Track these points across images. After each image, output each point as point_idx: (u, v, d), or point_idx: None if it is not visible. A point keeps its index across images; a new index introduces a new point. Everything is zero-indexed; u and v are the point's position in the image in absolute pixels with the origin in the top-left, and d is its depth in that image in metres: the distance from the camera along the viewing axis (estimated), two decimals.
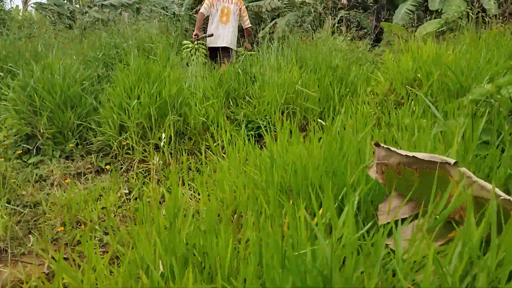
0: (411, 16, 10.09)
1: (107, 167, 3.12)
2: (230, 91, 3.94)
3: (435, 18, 10.14)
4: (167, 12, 9.34)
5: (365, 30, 8.24)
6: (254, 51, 5.16)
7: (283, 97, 3.43)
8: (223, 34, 5.07)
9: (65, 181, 2.89)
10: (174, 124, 3.21)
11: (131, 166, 3.11)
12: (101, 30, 6.15)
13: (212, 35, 5.06)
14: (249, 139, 2.33)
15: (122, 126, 3.24)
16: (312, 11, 9.84)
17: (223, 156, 2.80)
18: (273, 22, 11.47)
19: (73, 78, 3.50)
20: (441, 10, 9.79)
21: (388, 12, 9.67)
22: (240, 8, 5.22)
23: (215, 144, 3.03)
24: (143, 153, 3.11)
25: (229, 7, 5.08)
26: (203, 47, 5.16)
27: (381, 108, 2.87)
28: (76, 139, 3.34)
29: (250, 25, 5.34)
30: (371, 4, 10.33)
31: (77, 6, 12.79)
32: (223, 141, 3.09)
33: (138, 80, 3.33)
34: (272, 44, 4.63)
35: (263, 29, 11.18)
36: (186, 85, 3.46)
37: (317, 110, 3.31)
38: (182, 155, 3.13)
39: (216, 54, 5.13)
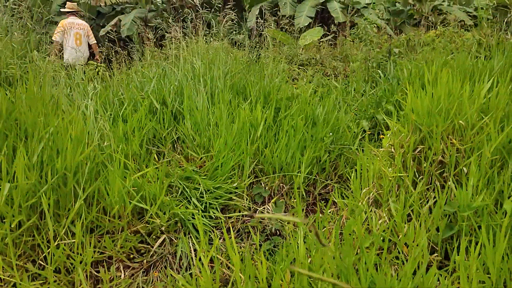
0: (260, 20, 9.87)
1: None
2: (146, 137, 2.65)
3: (286, 24, 10.03)
4: None
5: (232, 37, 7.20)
6: (101, 63, 5.79)
7: (249, 149, 2.36)
8: (82, 54, 6.05)
9: None
10: (82, 216, 1.84)
11: None
12: None
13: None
14: None
15: None
16: (160, 10, 8.86)
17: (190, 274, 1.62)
18: (116, 19, 9.83)
19: None
20: (293, 16, 9.73)
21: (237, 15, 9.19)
22: (88, 31, 6.29)
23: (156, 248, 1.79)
24: (32, 281, 1.68)
25: (79, 32, 6.13)
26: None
27: (407, 168, 2.07)
28: None
29: (95, 41, 6.41)
30: (220, 5, 9.52)
31: None
32: (169, 239, 1.90)
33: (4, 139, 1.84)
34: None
35: (103, 26, 9.53)
36: (92, 141, 2.06)
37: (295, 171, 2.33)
38: (103, 270, 1.82)
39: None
